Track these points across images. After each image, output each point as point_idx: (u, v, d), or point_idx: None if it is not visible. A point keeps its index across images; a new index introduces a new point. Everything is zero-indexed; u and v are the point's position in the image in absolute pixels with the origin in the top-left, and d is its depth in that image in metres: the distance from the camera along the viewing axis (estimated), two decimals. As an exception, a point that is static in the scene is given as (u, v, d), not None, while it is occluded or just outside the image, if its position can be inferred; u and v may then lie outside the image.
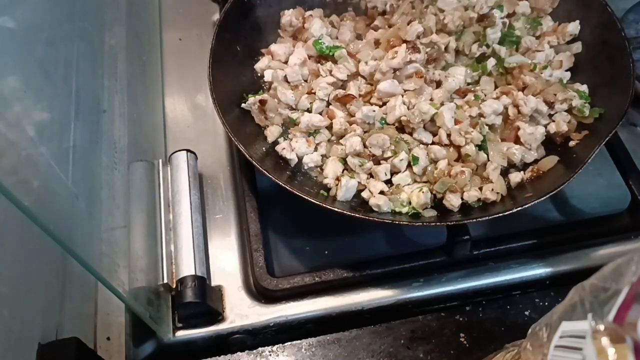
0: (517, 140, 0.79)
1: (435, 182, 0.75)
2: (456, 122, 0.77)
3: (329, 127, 0.81)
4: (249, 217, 0.78)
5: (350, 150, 0.77)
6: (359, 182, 0.76)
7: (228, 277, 0.77)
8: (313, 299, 0.74)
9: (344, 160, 0.78)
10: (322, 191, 0.76)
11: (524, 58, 0.84)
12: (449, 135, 0.76)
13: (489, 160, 0.77)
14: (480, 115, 0.78)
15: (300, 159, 0.79)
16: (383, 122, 0.79)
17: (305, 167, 0.79)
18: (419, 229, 0.77)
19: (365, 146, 0.78)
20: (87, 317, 0.74)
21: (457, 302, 0.75)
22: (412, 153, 0.76)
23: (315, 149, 0.80)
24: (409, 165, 0.77)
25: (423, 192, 0.73)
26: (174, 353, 0.73)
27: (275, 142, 0.81)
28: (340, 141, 0.79)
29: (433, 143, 0.78)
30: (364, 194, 0.75)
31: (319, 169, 0.79)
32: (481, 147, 0.77)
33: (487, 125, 0.78)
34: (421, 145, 0.77)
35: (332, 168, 0.77)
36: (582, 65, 0.85)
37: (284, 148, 0.79)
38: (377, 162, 0.78)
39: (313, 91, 0.84)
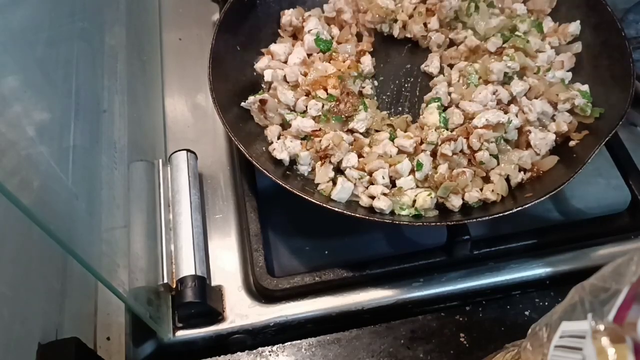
0: (527, 145, 0.78)
1: (437, 186, 0.74)
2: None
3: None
4: (249, 217, 0.78)
5: (347, 165, 0.77)
6: (355, 194, 0.75)
7: (228, 277, 0.77)
8: (313, 299, 0.74)
9: (330, 163, 0.77)
10: (321, 190, 0.76)
11: (528, 60, 0.84)
12: (467, 138, 0.76)
13: (498, 164, 0.77)
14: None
15: (292, 159, 0.79)
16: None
17: (305, 174, 0.79)
18: (419, 229, 0.77)
19: (360, 156, 0.78)
20: (87, 317, 0.74)
21: (457, 302, 0.75)
22: (417, 159, 0.76)
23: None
24: (412, 170, 0.76)
25: (431, 197, 0.73)
26: (174, 353, 0.73)
27: (276, 143, 0.81)
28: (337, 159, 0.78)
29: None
30: (361, 203, 0.75)
31: (315, 171, 0.79)
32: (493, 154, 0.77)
33: (504, 139, 0.78)
34: (427, 152, 0.77)
35: (323, 173, 0.76)
36: (582, 65, 0.85)
37: (274, 149, 0.79)
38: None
39: (310, 91, 0.83)
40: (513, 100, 0.81)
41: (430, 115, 0.79)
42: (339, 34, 0.90)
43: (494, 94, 0.80)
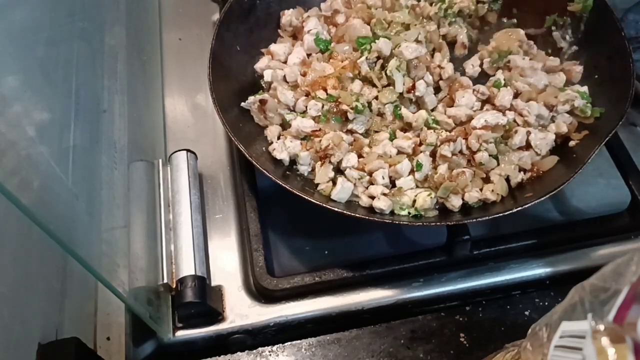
0: (527, 146, 0.78)
1: (437, 186, 0.74)
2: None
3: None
4: (249, 217, 0.78)
5: (347, 165, 0.77)
6: (355, 194, 0.75)
7: (228, 277, 0.77)
8: (313, 299, 0.74)
9: (330, 163, 0.77)
10: (321, 190, 0.76)
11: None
12: (466, 139, 0.76)
13: (498, 164, 0.77)
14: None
15: (292, 159, 0.79)
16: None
17: (305, 174, 0.79)
18: (419, 229, 0.77)
19: (360, 156, 0.78)
20: (87, 317, 0.74)
21: (457, 302, 0.75)
22: (416, 159, 0.75)
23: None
24: (412, 170, 0.76)
25: (431, 197, 0.73)
26: (174, 353, 0.73)
27: (276, 143, 0.81)
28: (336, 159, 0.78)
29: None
30: (361, 203, 0.75)
31: (315, 171, 0.79)
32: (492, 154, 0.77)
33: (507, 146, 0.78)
34: (427, 152, 0.77)
35: (323, 173, 0.76)
36: (582, 66, 0.85)
37: (274, 149, 0.79)
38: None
39: (310, 92, 0.83)
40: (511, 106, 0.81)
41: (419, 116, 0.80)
42: (333, 34, 0.90)
43: (475, 93, 0.81)
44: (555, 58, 0.86)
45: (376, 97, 0.81)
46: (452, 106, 0.82)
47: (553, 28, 0.89)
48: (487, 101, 0.82)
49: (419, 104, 0.82)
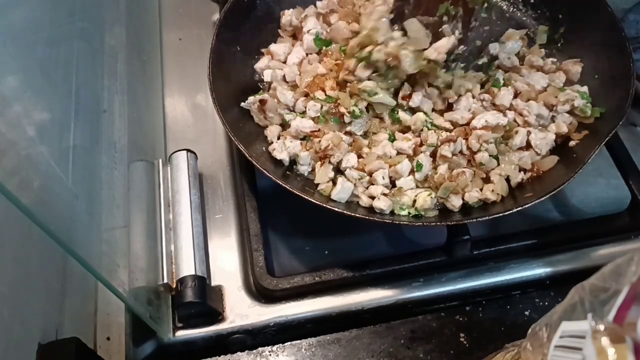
0: (527, 146, 0.78)
1: (437, 187, 0.74)
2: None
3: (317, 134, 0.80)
4: (249, 217, 0.78)
5: (347, 165, 0.77)
6: (355, 194, 0.75)
7: (228, 277, 0.77)
8: (313, 299, 0.74)
9: (330, 163, 0.77)
10: (321, 190, 0.76)
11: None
12: (466, 139, 0.76)
13: (498, 164, 0.77)
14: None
15: (292, 159, 0.79)
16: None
17: (305, 174, 0.79)
18: (419, 229, 0.77)
19: (360, 156, 0.78)
20: (87, 317, 0.74)
21: (457, 302, 0.75)
22: (417, 159, 0.75)
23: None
24: (412, 170, 0.76)
25: (431, 197, 0.73)
26: (174, 353, 0.73)
27: (275, 143, 0.81)
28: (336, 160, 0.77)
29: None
30: (361, 203, 0.75)
31: (315, 171, 0.79)
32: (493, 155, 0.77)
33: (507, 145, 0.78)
34: (427, 153, 0.77)
35: (323, 173, 0.76)
36: (582, 66, 0.85)
37: (274, 149, 0.79)
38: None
39: (309, 93, 0.83)
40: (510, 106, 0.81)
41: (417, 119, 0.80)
42: (328, 33, 0.89)
43: (474, 97, 0.80)
44: (548, 59, 0.86)
45: None
46: (449, 111, 0.81)
47: (445, 19, 0.77)
48: None
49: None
